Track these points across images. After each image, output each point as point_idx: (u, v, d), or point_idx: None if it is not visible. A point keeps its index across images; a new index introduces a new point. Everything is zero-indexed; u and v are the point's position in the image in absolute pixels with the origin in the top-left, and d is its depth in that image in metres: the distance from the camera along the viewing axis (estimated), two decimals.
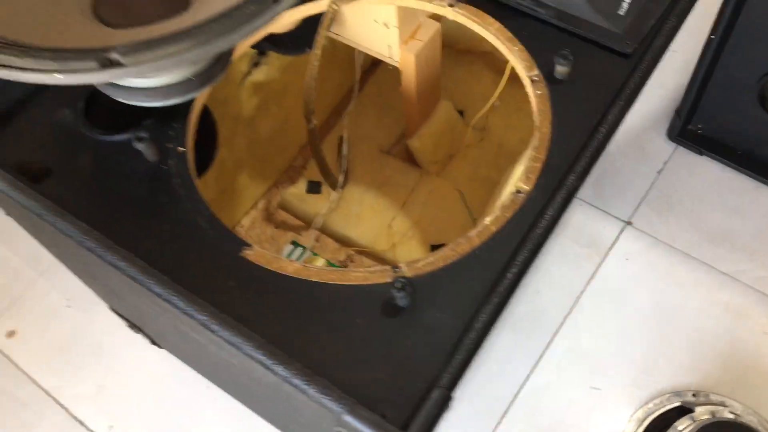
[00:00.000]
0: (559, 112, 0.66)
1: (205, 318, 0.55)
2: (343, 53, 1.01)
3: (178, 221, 0.63)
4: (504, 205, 0.61)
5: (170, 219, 0.64)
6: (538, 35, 0.72)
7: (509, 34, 0.72)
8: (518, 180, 0.63)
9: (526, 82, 0.69)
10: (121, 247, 0.59)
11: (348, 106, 1.05)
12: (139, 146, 0.65)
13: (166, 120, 0.69)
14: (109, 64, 0.50)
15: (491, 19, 0.73)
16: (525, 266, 0.56)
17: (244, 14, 0.53)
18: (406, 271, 0.59)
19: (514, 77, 1.08)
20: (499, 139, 1.03)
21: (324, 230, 0.99)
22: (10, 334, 0.99)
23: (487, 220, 0.60)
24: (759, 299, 0.92)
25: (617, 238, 0.96)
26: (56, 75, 0.50)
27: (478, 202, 0.97)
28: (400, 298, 0.56)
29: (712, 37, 0.87)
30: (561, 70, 0.67)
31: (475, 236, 0.60)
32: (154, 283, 0.57)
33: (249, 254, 0.60)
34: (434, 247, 0.95)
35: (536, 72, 0.69)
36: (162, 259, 0.60)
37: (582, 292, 0.92)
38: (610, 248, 0.95)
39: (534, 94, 0.68)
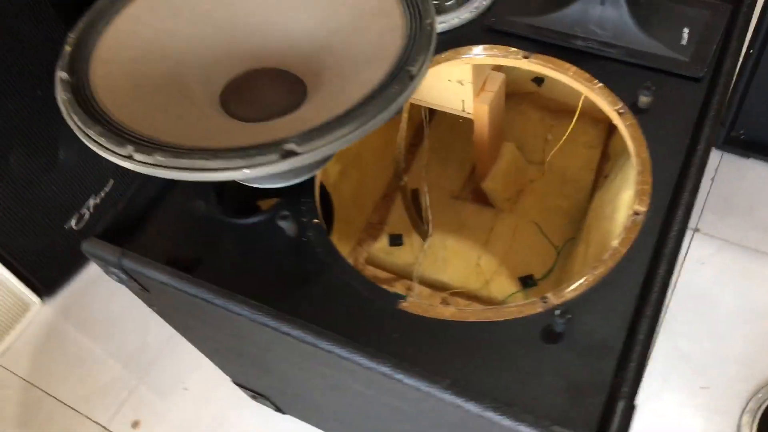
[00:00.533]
0: (651, 138, 0.73)
1: (387, 369, 0.60)
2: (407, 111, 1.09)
3: (330, 286, 0.69)
4: (627, 227, 0.67)
5: (322, 285, 0.69)
6: (612, 73, 0.79)
7: (587, 75, 0.79)
8: (632, 203, 0.70)
9: (613, 115, 0.76)
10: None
11: (420, 160, 1.12)
12: (283, 224, 0.71)
13: (295, 197, 0.75)
14: (287, 154, 0.56)
15: (567, 64, 0.80)
16: (667, 275, 0.62)
17: (391, 94, 0.60)
18: (554, 299, 0.64)
19: (561, 112, 1.17)
20: (559, 170, 1.10)
21: (413, 279, 1.04)
22: (135, 424, 1.03)
23: (615, 242, 0.66)
24: None
25: (689, 245, 1.02)
26: (245, 171, 0.56)
27: (554, 231, 1.04)
28: (559, 324, 0.62)
29: (750, 51, 0.95)
30: (645, 100, 0.75)
31: (609, 259, 0.66)
32: (334, 346, 0.62)
33: (406, 306, 0.66)
34: (522, 279, 1.01)
35: (620, 105, 0.76)
36: (323, 323, 0.65)
37: (669, 301, 0.98)
38: (685, 256, 1.02)
39: (624, 125, 0.75)
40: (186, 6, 0.74)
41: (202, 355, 0.98)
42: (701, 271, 1.01)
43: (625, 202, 0.73)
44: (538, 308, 0.64)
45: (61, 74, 0.65)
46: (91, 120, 0.60)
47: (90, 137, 0.60)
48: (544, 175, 1.10)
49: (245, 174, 0.57)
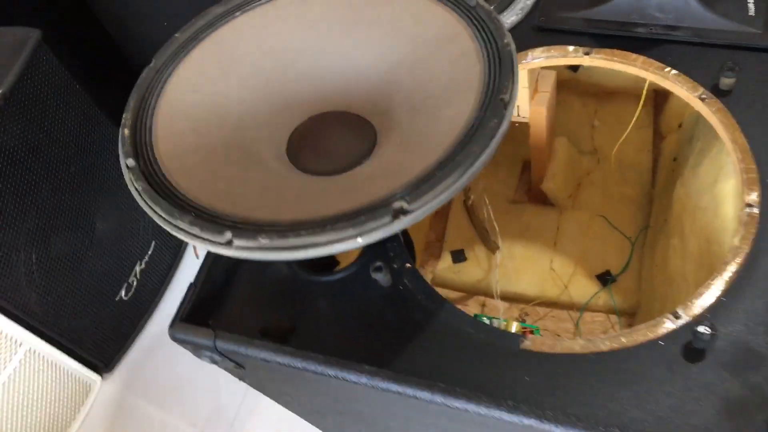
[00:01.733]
0: (743, 122, 0.69)
1: (533, 420, 0.57)
2: None
3: (441, 334, 0.65)
4: (744, 222, 0.63)
5: (432, 334, 0.65)
6: (682, 57, 0.75)
7: (657, 63, 0.75)
8: (738, 194, 0.66)
9: (695, 102, 0.72)
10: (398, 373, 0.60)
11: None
12: (378, 276, 0.67)
13: (378, 243, 0.71)
14: (398, 213, 0.52)
15: (633, 55, 0.76)
16: None
17: (491, 129, 0.56)
18: (686, 314, 0.61)
19: (601, 95, 1.13)
20: (614, 156, 1.06)
21: (487, 293, 1.01)
22: None
23: (736, 240, 0.63)
24: None
25: None
26: (358, 240, 0.52)
27: (623, 221, 1.00)
28: (701, 340, 0.58)
29: None
30: (727, 82, 0.71)
31: (732, 260, 0.62)
32: (468, 403, 0.58)
33: (529, 345, 0.62)
34: (599, 277, 0.98)
35: (701, 90, 0.72)
36: (443, 376, 0.62)
37: None
38: None
39: (710, 111, 0.71)
40: (234, 62, 0.70)
41: (283, 409, 0.94)
42: None
43: (729, 192, 0.69)
44: (672, 325, 0.60)
45: (127, 161, 0.60)
46: (177, 209, 0.56)
47: (179, 228, 0.55)
48: (600, 164, 1.06)
49: (358, 243, 0.53)
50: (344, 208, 0.54)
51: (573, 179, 1.04)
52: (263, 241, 0.52)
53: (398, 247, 0.71)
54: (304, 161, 0.68)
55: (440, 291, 1.03)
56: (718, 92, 0.72)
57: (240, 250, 0.54)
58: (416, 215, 0.53)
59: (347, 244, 0.52)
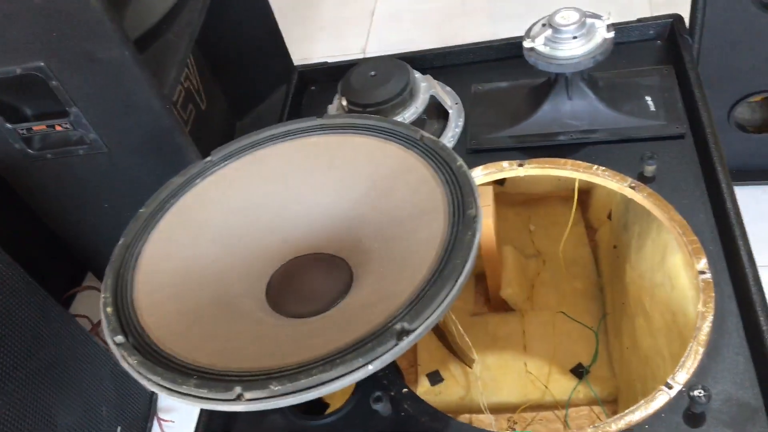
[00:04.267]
0: (673, 200, 0.77)
1: None
2: None
3: None
4: (701, 288, 0.69)
5: None
6: (604, 155, 0.84)
7: (585, 164, 0.83)
8: (687, 265, 0.72)
9: (627, 192, 0.80)
10: None
11: None
12: (378, 406, 0.67)
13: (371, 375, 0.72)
14: (402, 335, 0.54)
15: (562, 160, 0.85)
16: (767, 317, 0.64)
17: (467, 241, 0.60)
18: (677, 383, 0.64)
19: (529, 202, 1.22)
20: (556, 255, 1.13)
21: (472, 409, 1.01)
22: None
23: (700, 306, 0.68)
24: None
25: None
26: (368, 368, 0.53)
27: (581, 313, 1.05)
28: (699, 404, 0.61)
29: None
30: (650, 169, 0.79)
31: (702, 324, 0.67)
32: None
33: None
34: (574, 371, 1.00)
35: (629, 180, 0.80)
36: None
37: None
38: None
39: (642, 197, 0.78)
40: (202, 225, 0.72)
41: None
42: None
43: (678, 265, 0.76)
44: (667, 396, 0.63)
45: (116, 339, 0.60)
46: (179, 375, 0.55)
47: (185, 393, 0.55)
48: (546, 264, 1.12)
49: (368, 371, 0.54)
50: (346, 340, 0.56)
51: (526, 283, 1.09)
52: (275, 387, 0.53)
53: (392, 374, 0.71)
54: (285, 307, 0.69)
55: None
56: (643, 179, 0.80)
57: (251, 402, 0.53)
58: (419, 333, 0.55)
59: (359, 374, 0.53)
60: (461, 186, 0.65)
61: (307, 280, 0.72)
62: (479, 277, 1.13)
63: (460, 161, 0.68)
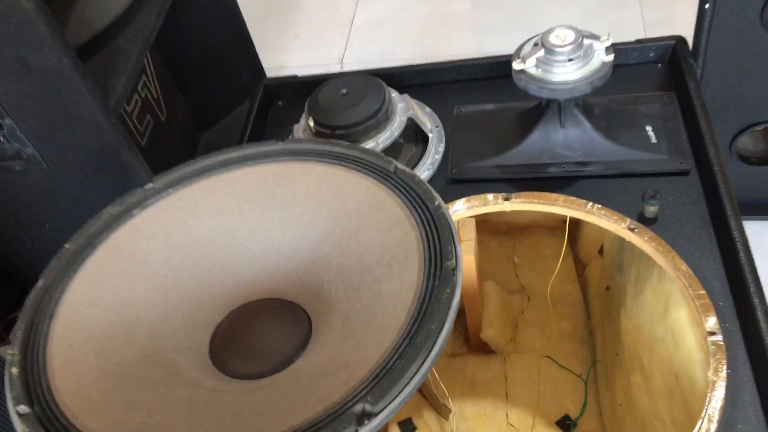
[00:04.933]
0: (678, 246, 0.69)
1: None
2: None
3: None
4: (711, 352, 0.60)
5: None
6: (599, 190, 0.75)
7: (579, 201, 0.74)
8: (694, 322, 0.64)
9: (625, 234, 0.71)
10: None
11: None
12: None
13: None
14: (363, 419, 0.44)
15: (553, 195, 0.76)
16: None
17: (445, 300, 0.50)
18: None
19: (514, 231, 1.13)
20: (542, 292, 1.04)
21: None
22: None
23: (710, 373, 0.59)
24: None
25: None
26: None
27: (568, 358, 0.96)
28: None
29: None
30: (652, 209, 0.71)
31: (712, 394, 0.58)
32: None
33: None
34: (559, 423, 0.91)
35: (629, 221, 0.72)
36: None
37: None
38: None
39: (643, 240, 0.70)
40: (137, 265, 0.62)
41: None
42: None
43: (684, 321, 0.67)
44: None
45: (18, 408, 0.49)
46: None
47: None
48: (531, 301, 1.03)
49: None
50: (296, 420, 0.46)
51: (509, 322, 1.00)
52: None
53: None
54: (231, 365, 0.59)
55: None
56: (644, 221, 0.71)
57: None
58: (383, 417, 0.45)
59: None
60: (439, 230, 0.56)
61: (258, 331, 0.62)
62: (458, 314, 1.03)
63: (439, 200, 0.58)
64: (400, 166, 0.63)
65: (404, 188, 0.61)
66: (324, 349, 0.56)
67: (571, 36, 0.70)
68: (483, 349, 0.99)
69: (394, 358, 0.48)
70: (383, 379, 0.46)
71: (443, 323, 0.49)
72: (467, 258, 0.85)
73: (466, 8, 1.69)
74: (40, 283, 0.59)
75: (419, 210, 0.58)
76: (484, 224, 1.13)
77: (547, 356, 0.96)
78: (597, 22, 1.55)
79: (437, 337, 0.48)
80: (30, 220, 1.01)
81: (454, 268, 0.53)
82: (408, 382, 0.46)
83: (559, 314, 1.00)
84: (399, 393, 0.46)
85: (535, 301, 1.04)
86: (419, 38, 1.64)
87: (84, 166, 0.89)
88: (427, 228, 0.57)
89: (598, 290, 0.97)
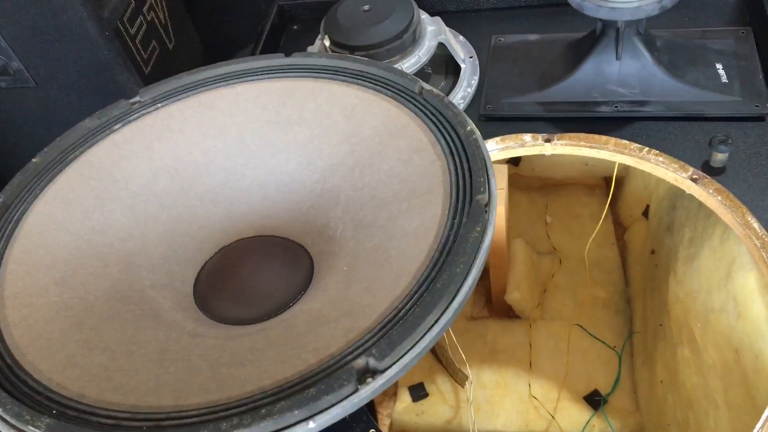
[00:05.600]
0: (749, 201, 0.58)
1: None
2: None
3: None
4: None
5: None
6: (657, 134, 0.65)
7: (633, 145, 0.64)
8: (762, 291, 0.54)
9: (686, 184, 0.61)
10: None
11: None
12: None
13: None
14: (366, 376, 0.36)
15: (603, 137, 0.65)
16: None
17: (474, 240, 0.41)
18: None
19: (547, 188, 1.03)
20: (577, 254, 0.94)
21: None
22: None
23: None
24: None
25: None
26: (309, 424, 0.35)
27: (601, 328, 0.86)
28: None
29: None
30: (721, 157, 0.60)
31: None
32: None
33: None
34: (588, 399, 0.82)
35: (691, 170, 0.61)
36: None
37: None
38: None
39: (708, 193, 0.59)
40: (115, 187, 0.53)
41: None
42: None
43: (751, 287, 0.57)
44: None
45: None
46: (28, 410, 0.37)
47: None
48: (563, 265, 0.94)
49: (309, 430, 0.35)
50: (284, 374, 0.37)
51: (538, 286, 0.91)
52: None
53: (361, 414, 0.53)
54: (218, 307, 0.51)
55: None
56: (710, 170, 0.61)
57: None
58: (390, 375, 0.36)
59: (297, 430, 0.35)
60: (470, 160, 0.46)
61: (251, 271, 0.53)
62: (481, 273, 0.94)
63: (471, 125, 0.49)
64: (426, 86, 0.53)
65: (431, 111, 0.51)
66: (325, 294, 0.47)
67: None
68: (506, 313, 0.90)
69: (408, 305, 0.39)
70: (393, 329, 0.37)
71: (470, 267, 0.40)
72: (497, 209, 0.75)
73: None
74: None
75: (448, 136, 0.49)
76: (515, 178, 1.02)
77: (578, 325, 0.87)
78: None
79: (462, 283, 0.39)
80: (18, 143, 0.93)
81: (487, 204, 0.44)
82: (424, 335, 0.37)
83: (594, 280, 0.91)
84: (412, 347, 0.37)
85: (568, 264, 0.94)
86: None
87: (75, 84, 0.81)
88: (456, 157, 0.47)
89: (640, 255, 0.87)
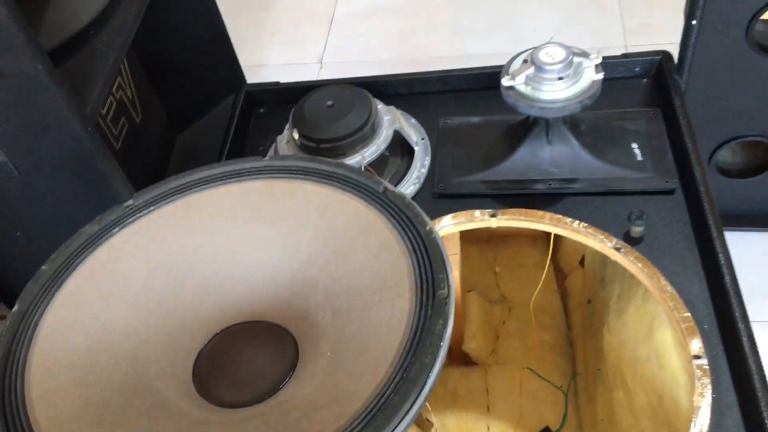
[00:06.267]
0: (663, 267, 0.69)
1: None
2: None
3: None
4: (696, 376, 0.60)
5: None
6: (585, 208, 0.75)
7: (565, 219, 0.74)
8: (678, 344, 0.64)
9: (611, 253, 0.71)
10: None
11: None
12: None
13: None
14: None
15: (540, 212, 0.75)
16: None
17: (437, 332, 0.50)
18: None
19: (496, 239, 1.13)
20: (523, 302, 1.04)
21: None
22: None
23: (695, 398, 0.59)
24: None
25: None
26: None
27: (551, 371, 0.96)
28: None
29: None
30: (638, 230, 0.71)
31: (695, 417, 0.58)
32: None
33: None
34: None
35: (615, 241, 0.72)
36: None
37: None
38: None
39: (629, 261, 0.70)
40: (117, 286, 0.60)
41: None
42: None
43: (669, 342, 0.67)
44: None
45: None
46: None
47: None
48: (512, 312, 1.04)
49: None
50: None
51: (491, 333, 1.00)
52: None
53: None
54: (216, 392, 0.58)
55: None
56: (630, 240, 0.71)
57: None
58: None
59: None
60: (431, 257, 0.55)
61: (243, 355, 0.60)
62: None
63: (430, 225, 0.57)
64: (389, 186, 0.62)
65: (394, 210, 0.60)
66: (313, 378, 0.55)
67: (561, 54, 0.70)
68: (464, 360, 0.99)
69: (388, 392, 0.47)
70: (377, 415, 0.45)
71: (436, 357, 0.49)
72: (453, 274, 0.85)
73: (447, 7, 1.67)
74: (16, 307, 0.57)
75: (410, 234, 0.57)
76: (466, 233, 1.12)
77: (529, 368, 0.96)
78: (577, 26, 1.55)
79: (430, 372, 0.48)
80: (0, 227, 0.98)
81: (446, 297, 0.52)
82: (402, 419, 0.46)
83: (540, 325, 1.01)
84: (393, 430, 0.45)
85: (516, 311, 1.04)
86: (400, 37, 1.62)
87: (58, 173, 0.86)
88: (419, 254, 0.56)
89: (579, 302, 0.98)
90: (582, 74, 0.71)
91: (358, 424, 0.45)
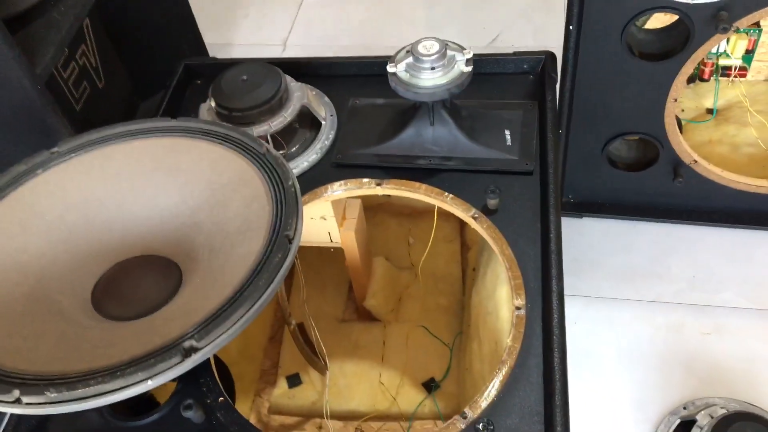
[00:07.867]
0: (509, 235, 0.80)
1: None
2: None
3: None
4: (514, 323, 0.72)
5: None
6: (457, 182, 0.87)
7: (436, 189, 0.86)
8: (510, 298, 0.76)
9: (470, 221, 0.83)
10: None
11: (297, 294, 1.12)
12: (189, 414, 0.68)
13: (191, 376, 0.73)
14: (189, 352, 0.56)
15: (417, 183, 0.87)
16: (563, 361, 0.68)
17: (276, 263, 0.61)
18: (472, 413, 0.67)
19: (414, 215, 1.24)
20: (429, 270, 1.16)
21: (323, 415, 1.03)
22: None
23: (508, 340, 0.71)
24: (685, 309, 1.12)
25: None
26: (149, 383, 0.54)
27: (442, 329, 1.08)
28: None
29: (560, 131, 1.09)
30: (492, 202, 0.82)
31: (508, 358, 0.70)
32: None
33: None
34: (425, 385, 1.04)
35: (473, 211, 0.83)
36: None
37: None
38: None
39: (482, 228, 0.81)
40: (35, 217, 0.72)
41: None
42: (575, 329, 1.10)
43: (504, 297, 0.79)
44: (461, 425, 0.66)
45: None
46: None
47: None
48: (417, 278, 1.15)
49: (149, 386, 0.55)
50: (138, 352, 0.57)
51: (393, 295, 1.12)
52: (51, 394, 0.53)
53: (211, 382, 0.73)
54: (108, 308, 0.70)
55: (277, 418, 1.05)
56: (487, 211, 0.83)
57: (30, 407, 0.54)
58: (206, 351, 0.56)
59: (138, 388, 0.54)
60: (288, 206, 0.67)
61: (135, 281, 0.72)
62: (352, 286, 1.15)
63: (293, 180, 0.69)
64: (271, 148, 0.74)
65: (269, 168, 0.71)
66: (180, 299, 0.67)
67: (436, 47, 0.81)
68: (369, 317, 1.11)
69: (225, 306, 0.59)
70: (212, 322, 0.57)
71: (270, 281, 0.60)
72: (348, 234, 0.96)
73: (408, 1, 1.78)
74: None
75: (276, 187, 0.69)
76: (387, 205, 1.24)
77: (423, 326, 1.08)
78: (523, 25, 1.66)
79: (263, 292, 0.59)
80: None
81: (292, 239, 0.64)
82: (232, 325, 0.57)
83: (439, 290, 1.12)
84: (222, 333, 0.57)
85: (422, 278, 1.16)
86: (361, 26, 1.73)
87: (8, 124, 0.98)
88: (279, 203, 0.68)
89: (470, 270, 1.09)
90: (454, 66, 0.82)
91: (195, 329, 0.57)
